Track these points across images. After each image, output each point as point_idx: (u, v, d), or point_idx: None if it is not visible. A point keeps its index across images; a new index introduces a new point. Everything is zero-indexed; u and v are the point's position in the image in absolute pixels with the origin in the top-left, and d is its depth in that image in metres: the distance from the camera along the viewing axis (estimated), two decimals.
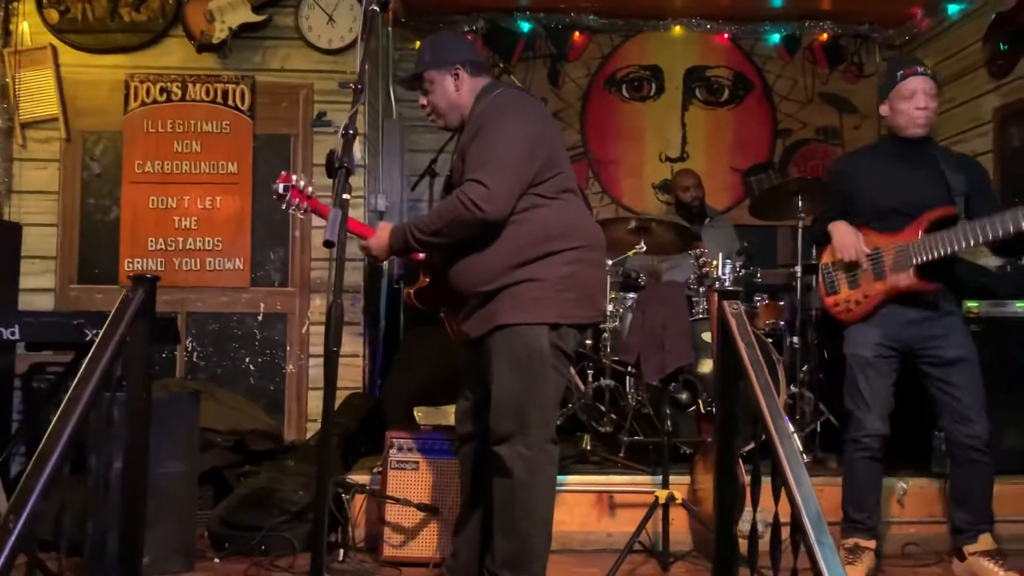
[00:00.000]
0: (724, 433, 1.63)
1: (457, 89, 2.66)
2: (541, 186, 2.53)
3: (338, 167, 1.84)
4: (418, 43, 5.69)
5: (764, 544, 1.94)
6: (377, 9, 2.11)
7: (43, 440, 1.32)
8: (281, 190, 2.54)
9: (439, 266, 2.65)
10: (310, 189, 2.62)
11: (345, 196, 1.80)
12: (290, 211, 2.61)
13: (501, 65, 5.72)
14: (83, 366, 1.45)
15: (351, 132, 1.97)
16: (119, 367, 1.58)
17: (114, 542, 1.64)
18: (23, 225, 4.47)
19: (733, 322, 1.58)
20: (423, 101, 2.73)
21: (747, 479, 2.01)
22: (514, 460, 2.48)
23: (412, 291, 2.82)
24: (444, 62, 2.66)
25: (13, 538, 1.15)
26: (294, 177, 2.58)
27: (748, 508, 1.86)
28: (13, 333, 2.51)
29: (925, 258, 2.95)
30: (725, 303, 1.62)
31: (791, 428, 1.43)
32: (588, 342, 4.28)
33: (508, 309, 2.50)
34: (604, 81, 5.92)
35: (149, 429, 1.78)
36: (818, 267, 3.23)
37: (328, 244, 1.74)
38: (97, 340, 1.53)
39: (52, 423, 1.34)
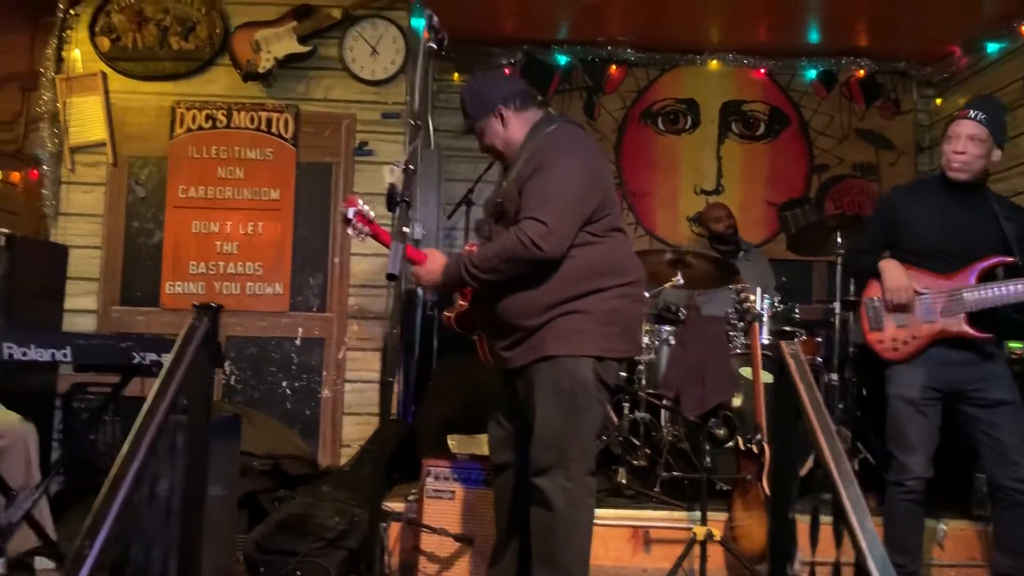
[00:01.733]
0: (780, 475, 1.62)
1: (505, 127, 2.70)
2: (593, 224, 2.57)
3: (399, 201, 1.88)
4: (456, 75, 5.85)
5: None
6: (435, 47, 2.15)
7: (116, 464, 1.35)
8: (350, 215, 2.59)
9: (481, 294, 2.67)
10: (372, 214, 2.68)
11: (405, 229, 1.84)
12: (351, 233, 2.65)
13: (539, 98, 5.78)
14: (152, 393, 1.48)
15: (411, 168, 2.01)
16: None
17: (173, 565, 1.67)
18: (69, 247, 4.56)
19: (792, 363, 1.58)
20: (482, 149, 2.78)
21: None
22: (555, 492, 2.48)
23: (452, 315, 2.84)
24: (486, 109, 2.71)
25: (90, 563, 1.18)
26: (360, 202, 2.62)
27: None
28: (65, 355, 2.54)
29: (980, 307, 2.93)
30: (783, 344, 1.63)
31: (853, 473, 1.43)
32: (623, 374, 4.29)
33: (553, 340, 2.52)
34: (640, 114, 5.96)
35: (208, 454, 1.81)
36: (861, 301, 3.21)
37: (391, 278, 1.78)
38: (165, 368, 1.57)
39: (124, 448, 1.38)
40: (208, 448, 1.83)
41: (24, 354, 2.38)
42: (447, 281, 2.65)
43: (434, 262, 2.66)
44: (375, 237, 2.69)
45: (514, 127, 2.70)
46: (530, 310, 2.54)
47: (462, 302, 2.83)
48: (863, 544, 1.28)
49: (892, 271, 3.11)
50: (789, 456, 1.66)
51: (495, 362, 2.73)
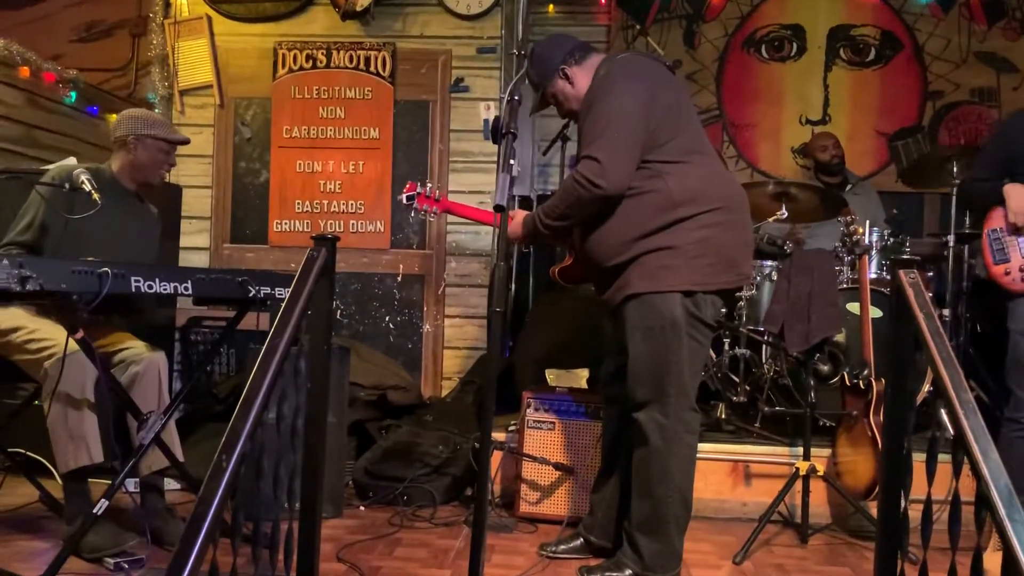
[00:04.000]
0: (896, 407, 1.60)
1: (573, 84, 2.69)
2: (659, 151, 2.50)
3: (504, 133, 1.89)
4: (551, 7, 5.76)
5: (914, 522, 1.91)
6: None
7: (247, 385, 1.44)
8: (405, 200, 2.65)
9: (578, 240, 2.70)
10: (437, 192, 2.73)
11: (512, 162, 1.85)
12: (422, 216, 2.72)
13: (636, 27, 5.66)
14: (276, 320, 1.56)
15: (516, 99, 2.01)
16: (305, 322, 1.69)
17: (296, 486, 1.77)
18: (182, 187, 4.76)
19: (911, 292, 1.53)
20: (562, 115, 2.80)
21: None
22: (650, 427, 2.52)
23: (557, 270, 2.88)
24: (550, 72, 2.70)
25: (227, 474, 1.27)
26: (418, 185, 2.68)
27: None
28: (187, 288, 2.66)
29: None
30: (902, 272, 1.58)
31: (974, 402, 1.40)
32: (723, 310, 4.25)
33: (638, 279, 2.51)
34: (742, 41, 5.75)
35: (329, 380, 1.90)
36: (983, 233, 3.06)
37: (499, 208, 1.80)
38: (287, 296, 1.64)
39: (253, 372, 1.46)
40: (328, 374, 1.92)
41: (150, 287, 2.51)
42: (527, 233, 2.73)
43: (515, 220, 2.75)
44: (450, 211, 2.74)
45: (580, 81, 2.68)
46: (611, 249, 2.56)
47: (569, 257, 2.86)
48: (986, 474, 1.25)
49: (1019, 192, 2.95)
50: (906, 387, 1.63)
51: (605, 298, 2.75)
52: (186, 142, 3.20)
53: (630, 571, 2.59)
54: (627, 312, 2.55)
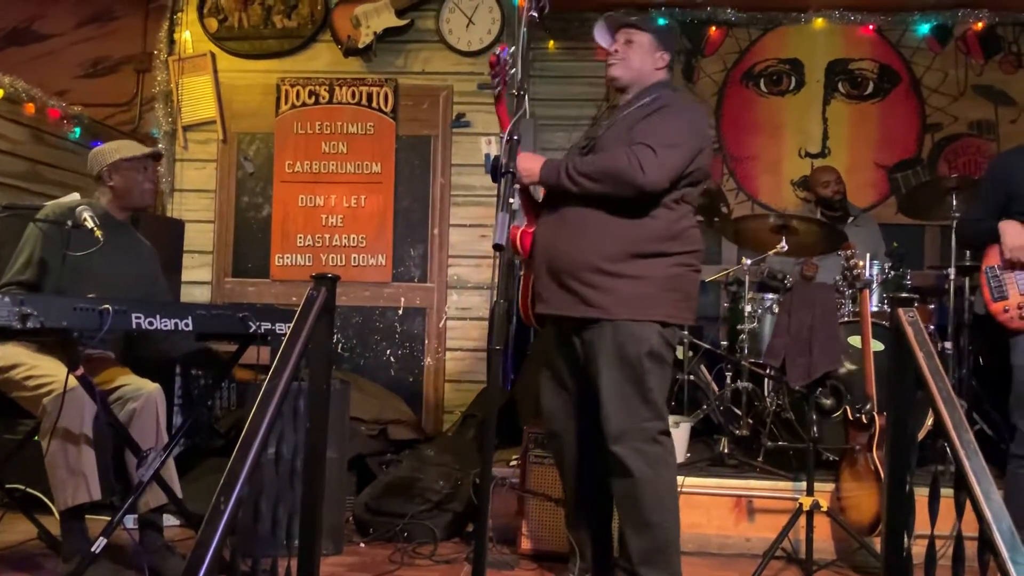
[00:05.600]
0: (897, 446, 1.59)
1: (655, 68, 2.70)
2: (680, 190, 2.57)
3: (503, 172, 1.90)
4: (552, 43, 5.81)
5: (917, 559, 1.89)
6: (536, 16, 2.15)
7: (245, 427, 1.44)
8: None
9: (553, 233, 2.62)
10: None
11: (511, 200, 1.86)
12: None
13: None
14: (275, 361, 1.56)
15: (516, 138, 2.02)
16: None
17: (295, 524, 1.76)
18: (184, 221, 4.78)
19: (910, 331, 1.53)
20: (616, 47, 2.71)
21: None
22: (631, 458, 2.48)
23: (520, 232, 2.73)
24: (666, 46, 2.72)
25: (226, 517, 1.27)
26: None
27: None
28: (187, 324, 2.66)
29: None
30: (901, 310, 1.58)
31: (975, 442, 1.39)
32: (724, 343, 4.26)
33: (617, 304, 2.50)
34: (741, 75, 5.80)
35: (328, 418, 1.90)
36: (981, 271, 3.07)
37: (498, 248, 1.80)
38: (287, 335, 1.65)
39: (252, 412, 1.46)
40: (328, 412, 1.92)
41: (151, 324, 2.52)
42: (544, 179, 2.61)
43: (533, 159, 2.63)
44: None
45: (654, 65, 2.70)
46: (601, 254, 2.52)
47: (529, 229, 2.73)
48: (989, 516, 1.24)
49: (1012, 230, 2.97)
50: (907, 425, 1.62)
51: (548, 311, 2.65)
52: (158, 155, 3.21)
53: None
54: (601, 338, 2.51)
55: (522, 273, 2.68)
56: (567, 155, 2.74)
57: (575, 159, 2.59)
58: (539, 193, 2.77)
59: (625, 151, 2.47)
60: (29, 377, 2.69)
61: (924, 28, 5.66)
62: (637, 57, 2.67)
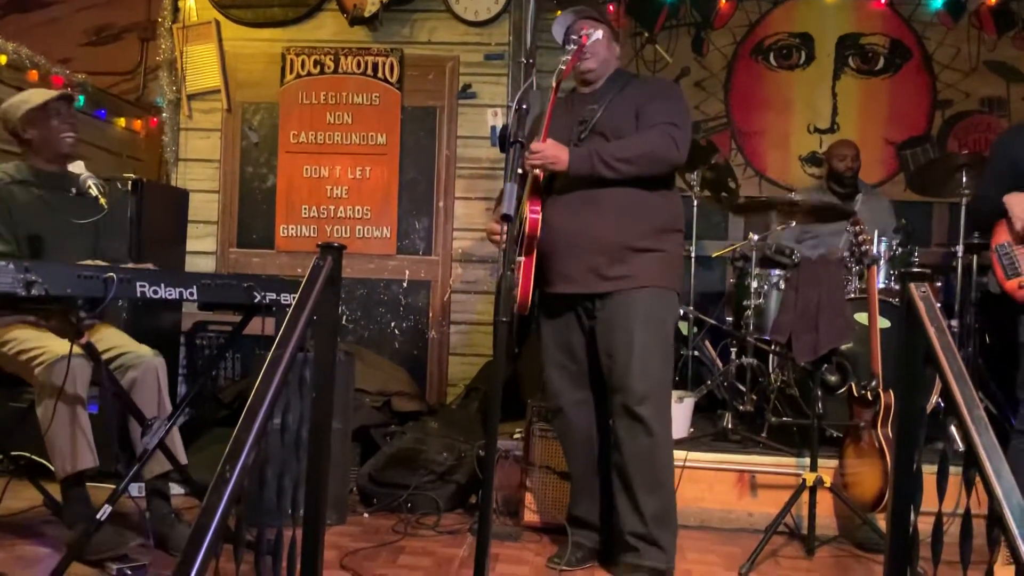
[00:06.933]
0: (906, 423, 1.58)
1: (609, 48, 2.82)
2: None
3: (512, 142, 1.88)
4: (559, 13, 5.74)
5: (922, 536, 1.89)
6: None
7: (251, 395, 1.43)
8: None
9: (579, 212, 2.65)
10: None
11: (520, 170, 1.84)
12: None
13: (645, 35, 5.65)
14: (281, 330, 1.55)
15: (524, 107, 2.00)
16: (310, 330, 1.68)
17: (300, 495, 1.76)
18: (189, 191, 4.76)
19: (922, 305, 1.52)
20: (573, 60, 2.72)
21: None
22: (655, 418, 2.61)
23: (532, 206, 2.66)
24: (604, 21, 2.81)
25: (231, 485, 1.26)
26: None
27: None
28: (192, 294, 2.65)
29: None
30: (912, 285, 1.57)
31: (986, 418, 1.38)
32: (729, 318, 4.26)
33: (646, 273, 2.64)
34: (751, 49, 5.73)
35: (333, 388, 1.89)
36: (992, 249, 3.04)
37: (506, 219, 1.79)
38: (293, 304, 1.63)
39: (257, 382, 1.45)
40: (334, 382, 1.91)
41: (155, 293, 2.50)
42: (575, 168, 2.61)
43: (559, 147, 2.63)
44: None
45: (614, 55, 2.84)
46: (639, 231, 2.64)
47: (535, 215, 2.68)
48: (999, 492, 1.23)
49: (1019, 199, 2.93)
50: (916, 401, 1.61)
51: (573, 290, 2.70)
52: (67, 97, 2.97)
53: (661, 567, 2.62)
54: (636, 302, 2.62)
55: (521, 259, 2.65)
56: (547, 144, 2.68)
57: (602, 145, 2.65)
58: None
59: (658, 132, 2.59)
60: (20, 352, 2.69)
61: (937, 3, 5.58)
62: (602, 49, 2.79)
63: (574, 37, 2.72)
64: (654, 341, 2.63)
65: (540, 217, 2.61)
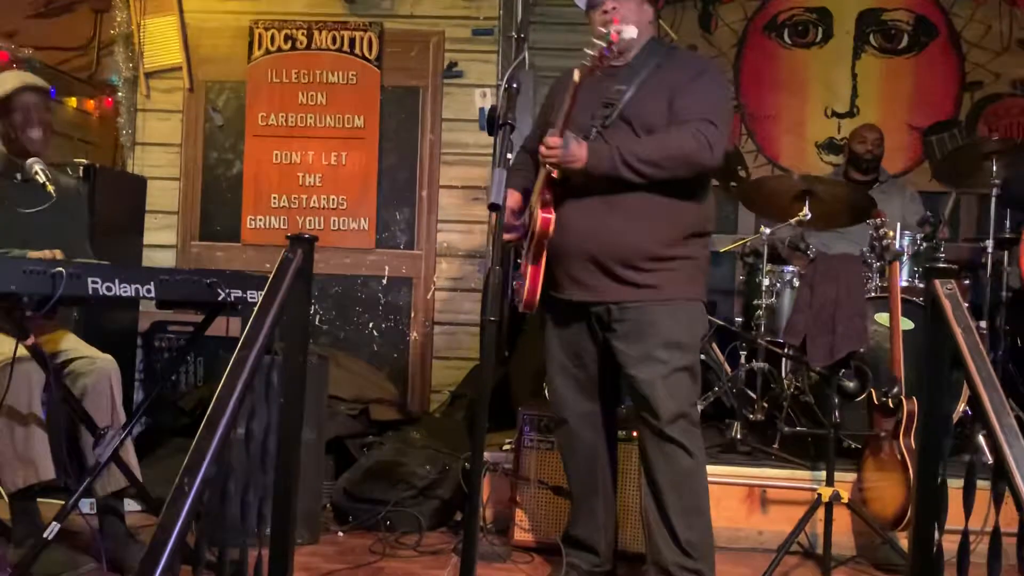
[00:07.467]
0: (931, 433, 1.58)
1: (639, 17, 2.61)
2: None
3: (501, 124, 1.88)
4: None
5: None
6: None
7: (213, 401, 1.43)
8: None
9: (594, 217, 2.60)
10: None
11: (509, 156, 1.84)
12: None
13: None
14: (246, 329, 1.55)
15: (515, 86, 2.00)
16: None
17: (267, 511, 1.76)
18: (147, 178, 4.73)
19: (948, 304, 1.52)
20: (612, 4, 2.60)
21: None
22: (690, 440, 2.60)
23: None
24: None
25: (190, 500, 1.26)
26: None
27: None
28: (149, 291, 2.63)
29: None
30: (938, 282, 1.57)
31: (1017, 427, 1.38)
32: (739, 319, 4.27)
33: (686, 283, 2.63)
34: (763, 25, 5.74)
35: (304, 395, 1.89)
36: (1022, 242, 3.06)
37: (494, 208, 1.79)
38: (259, 303, 1.63)
39: (219, 387, 1.45)
40: (304, 386, 1.91)
41: (109, 289, 2.49)
42: (594, 167, 2.53)
43: (577, 144, 2.52)
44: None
45: (648, 19, 2.68)
46: (665, 238, 2.59)
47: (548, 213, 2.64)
48: None
49: None
50: (941, 409, 1.62)
51: (592, 298, 2.66)
52: (41, 88, 2.94)
53: None
54: (658, 318, 2.58)
55: (525, 260, 2.65)
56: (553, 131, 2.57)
57: (626, 143, 2.54)
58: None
59: (691, 131, 2.51)
60: None
61: None
62: (633, 14, 2.60)
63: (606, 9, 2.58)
64: (684, 360, 2.60)
65: (554, 218, 2.56)
